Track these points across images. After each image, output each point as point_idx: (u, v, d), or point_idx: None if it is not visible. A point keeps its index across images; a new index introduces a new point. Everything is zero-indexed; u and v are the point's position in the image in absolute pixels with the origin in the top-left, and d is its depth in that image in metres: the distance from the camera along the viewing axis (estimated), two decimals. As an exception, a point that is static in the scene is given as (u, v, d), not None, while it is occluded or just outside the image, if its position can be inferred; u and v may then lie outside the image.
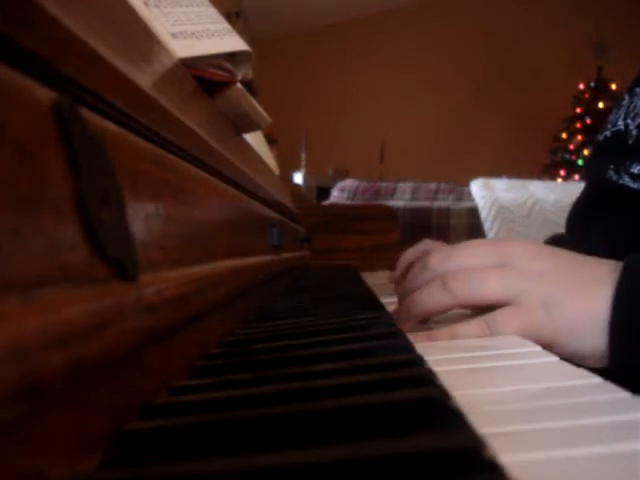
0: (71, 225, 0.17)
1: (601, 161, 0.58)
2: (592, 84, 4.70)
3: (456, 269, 0.40)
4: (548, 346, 0.36)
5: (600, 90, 4.64)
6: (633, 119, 0.54)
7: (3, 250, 0.14)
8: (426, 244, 0.67)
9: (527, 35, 5.21)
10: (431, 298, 0.39)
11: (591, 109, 4.64)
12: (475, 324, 0.37)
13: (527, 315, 0.37)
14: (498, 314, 0.37)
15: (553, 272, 0.38)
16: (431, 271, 0.41)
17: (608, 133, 0.58)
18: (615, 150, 0.55)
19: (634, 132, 0.53)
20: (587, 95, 4.72)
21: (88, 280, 0.17)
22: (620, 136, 0.55)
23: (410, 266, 0.68)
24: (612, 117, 0.59)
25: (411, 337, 0.38)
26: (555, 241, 0.81)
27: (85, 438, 0.16)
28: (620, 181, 0.52)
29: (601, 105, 4.52)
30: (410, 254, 0.68)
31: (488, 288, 0.38)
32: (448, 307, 0.39)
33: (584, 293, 0.37)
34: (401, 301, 0.43)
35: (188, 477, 0.14)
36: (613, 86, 4.49)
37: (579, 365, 0.27)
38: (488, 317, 0.37)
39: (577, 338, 0.36)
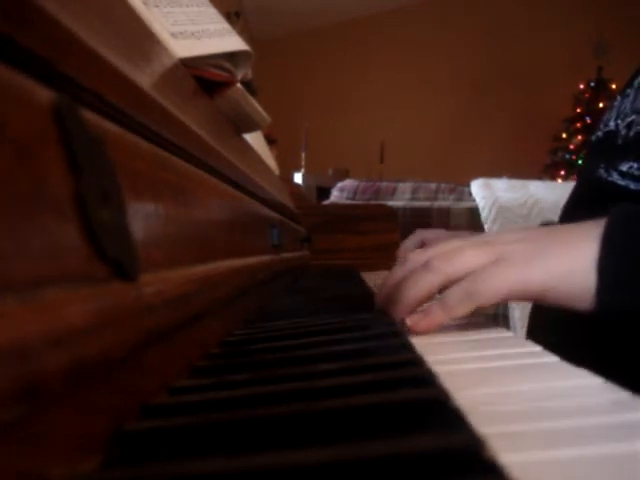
0: (71, 225, 0.17)
1: (593, 160, 0.58)
2: (592, 84, 4.69)
3: (435, 253, 0.40)
4: (538, 295, 0.37)
5: (600, 90, 4.64)
6: (623, 119, 0.55)
7: (3, 250, 0.14)
8: (420, 233, 0.68)
9: (527, 35, 5.21)
10: (418, 282, 0.39)
11: (591, 109, 4.64)
12: (461, 286, 0.37)
13: (513, 267, 0.37)
14: (482, 271, 0.37)
15: (534, 235, 0.39)
16: (411, 261, 0.42)
17: (600, 133, 0.59)
18: (606, 150, 0.56)
19: (623, 132, 0.54)
20: (587, 95, 4.72)
21: (88, 280, 0.17)
22: (611, 136, 0.56)
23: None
24: (605, 118, 0.60)
25: (408, 321, 0.38)
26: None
27: (85, 438, 0.16)
28: (609, 178, 0.53)
29: (601, 105, 4.52)
30: (407, 245, 0.69)
31: (470, 257, 0.38)
32: (436, 286, 0.39)
33: (573, 239, 0.38)
34: (383, 297, 0.43)
35: (188, 477, 0.14)
36: (613, 86, 4.48)
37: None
38: (473, 277, 0.37)
39: (569, 280, 0.36)
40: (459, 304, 0.37)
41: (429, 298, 0.40)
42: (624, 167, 0.52)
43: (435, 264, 0.39)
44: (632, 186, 0.50)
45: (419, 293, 0.39)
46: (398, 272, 0.42)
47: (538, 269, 0.37)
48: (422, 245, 0.68)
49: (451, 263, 0.39)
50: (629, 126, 0.54)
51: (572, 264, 0.37)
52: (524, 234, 0.40)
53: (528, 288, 0.37)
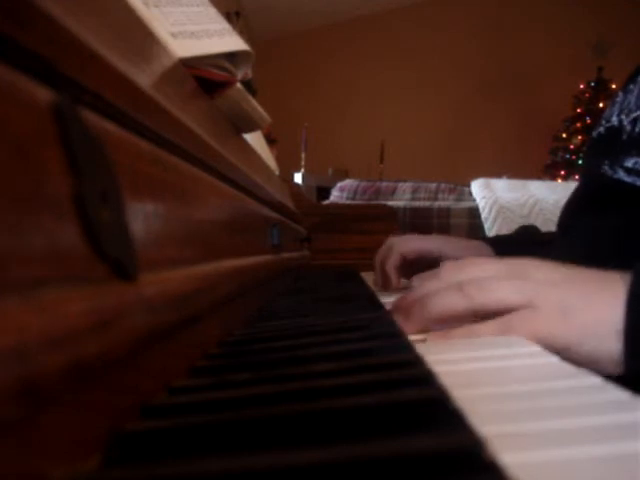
0: (71, 225, 0.17)
1: (596, 157, 0.58)
2: (592, 84, 4.70)
3: (470, 278, 0.40)
4: (562, 351, 0.35)
5: (600, 90, 4.64)
6: (627, 115, 0.54)
7: (3, 250, 0.14)
8: (391, 240, 0.70)
9: (527, 35, 5.21)
10: (446, 301, 0.39)
11: (591, 109, 4.64)
12: (492, 324, 0.37)
13: (543, 318, 0.36)
14: (515, 315, 0.37)
15: (566, 280, 0.38)
16: (444, 281, 0.41)
17: (602, 130, 0.59)
18: (609, 146, 0.56)
19: (628, 127, 0.54)
20: (587, 95, 4.72)
21: (88, 280, 0.17)
22: (614, 132, 0.56)
23: (382, 266, 0.71)
24: (606, 114, 0.60)
25: (428, 337, 0.38)
26: (524, 233, 0.82)
27: (85, 438, 0.16)
28: (615, 175, 0.53)
29: (601, 105, 4.52)
30: (380, 255, 0.72)
31: (503, 292, 0.38)
32: (463, 311, 0.39)
33: (599, 298, 0.37)
34: (401, 308, 0.42)
35: (188, 477, 0.14)
36: (613, 86, 4.48)
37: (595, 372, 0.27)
38: (505, 319, 0.37)
39: (592, 343, 0.35)
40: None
41: (449, 320, 0.39)
42: (629, 163, 0.51)
43: (469, 290, 0.38)
44: (639, 183, 0.50)
45: (444, 312, 0.39)
46: (428, 287, 0.41)
47: (566, 325, 0.36)
48: (403, 260, 0.69)
49: (485, 294, 0.38)
50: (634, 122, 0.53)
51: (596, 327, 0.36)
52: (558, 274, 0.39)
53: (554, 343, 0.36)
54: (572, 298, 0.37)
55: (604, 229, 0.53)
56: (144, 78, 0.27)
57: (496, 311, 0.38)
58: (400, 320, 0.40)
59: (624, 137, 0.54)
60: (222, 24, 0.49)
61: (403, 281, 0.70)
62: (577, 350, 0.36)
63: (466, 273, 0.41)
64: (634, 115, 0.53)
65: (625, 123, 0.54)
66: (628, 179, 0.51)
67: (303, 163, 4.21)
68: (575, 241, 0.58)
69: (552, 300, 0.37)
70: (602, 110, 4.54)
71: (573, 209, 0.64)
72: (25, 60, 0.17)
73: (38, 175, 0.16)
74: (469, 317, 0.39)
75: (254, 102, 0.57)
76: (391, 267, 0.69)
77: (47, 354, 0.14)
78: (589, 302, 0.37)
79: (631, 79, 0.57)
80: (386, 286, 0.70)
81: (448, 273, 0.42)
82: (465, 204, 2.00)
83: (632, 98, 0.55)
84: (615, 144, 0.55)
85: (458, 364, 0.29)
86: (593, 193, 0.59)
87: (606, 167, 0.55)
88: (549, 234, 0.75)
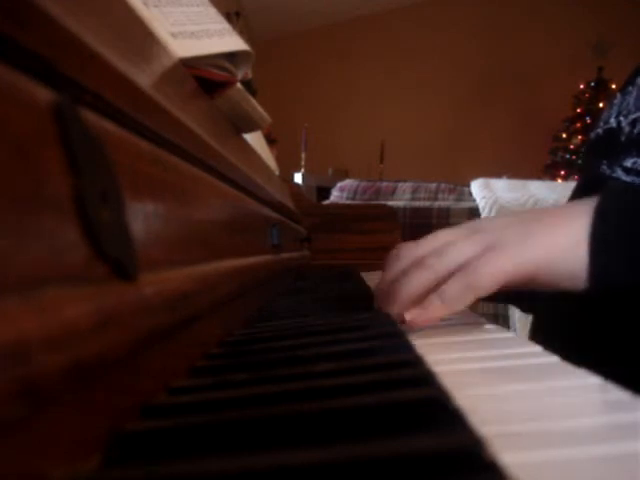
0: (71, 225, 0.17)
1: (594, 157, 0.58)
2: (592, 84, 4.69)
3: (427, 250, 0.40)
4: (532, 277, 0.36)
5: (600, 90, 4.63)
6: (626, 116, 0.55)
7: (3, 250, 0.14)
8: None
9: (527, 35, 5.21)
10: (413, 281, 0.39)
11: (591, 109, 4.63)
12: (456, 278, 0.37)
13: (504, 252, 0.36)
14: (476, 260, 0.37)
15: (524, 217, 0.39)
16: (404, 258, 0.41)
17: (600, 131, 0.59)
18: (607, 147, 0.56)
19: (627, 129, 0.54)
20: (587, 95, 4.72)
21: (87, 280, 0.17)
22: (612, 133, 0.56)
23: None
24: (604, 116, 0.60)
25: (407, 315, 0.38)
26: None
27: (85, 438, 0.16)
28: (613, 175, 0.53)
29: (601, 105, 4.52)
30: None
31: (461, 250, 0.38)
32: (430, 284, 0.39)
33: (562, 217, 0.37)
34: (380, 297, 0.42)
35: (188, 477, 0.14)
36: (613, 86, 4.48)
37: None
38: (469, 268, 0.37)
39: (559, 258, 0.35)
40: (458, 297, 0.37)
41: (425, 295, 0.39)
42: (628, 163, 0.51)
43: (428, 261, 0.39)
44: (637, 182, 0.50)
45: (414, 291, 0.39)
46: (392, 270, 0.42)
47: (530, 249, 0.36)
48: None
49: (444, 258, 0.38)
50: (633, 123, 0.53)
51: (564, 240, 0.36)
52: (513, 217, 0.40)
53: (523, 271, 0.36)
54: (532, 228, 0.37)
55: None
56: (144, 78, 0.27)
57: (460, 269, 0.38)
58: (383, 308, 0.40)
59: (622, 138, 0.54)
60: (222, 24, 0.49)
61: None
62: (546, 272, 0.35)
63: (422, 247, 0.41)
64: (633, 116, 0.54)
65: (624, 124, 0.55)
66: (627, 178, 0.51)
67: (303, 163, 4.21)
68: None
69: (510, 234, 0.37)
70: (602, 110, 4.51)
71: None
72: (25, 60, 0.17)
73: (38, 175, 0.16)
74: (441, 285, 0.39)
75: (254, 102, 0.57)
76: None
77: (47, 354, 0.14)
78: (555, 220, 0.37)
79: (629, 81, 0.58)
80: None
81: (406, 250, 0.42)
82: (465, 204, 2.00)
83: (631, 100, 0.55)
84: (613, 145, 0.55)
85: (458, 364, 0.29)
86: (591, 193, 0.59)
87: (604, 167, 0.55)
88: None
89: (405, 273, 0.40)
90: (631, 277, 0.34)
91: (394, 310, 0.39)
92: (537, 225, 0.37)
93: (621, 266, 0.34)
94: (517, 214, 0.40)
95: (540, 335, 0.58)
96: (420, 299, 0.39)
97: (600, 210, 0.36)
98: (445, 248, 0.39)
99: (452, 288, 0.37)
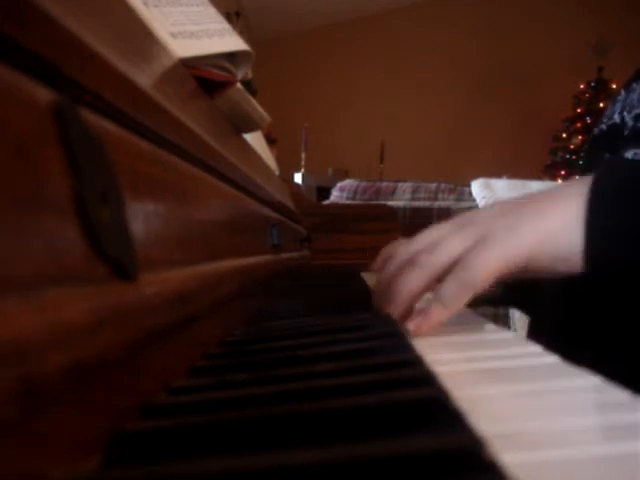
0: (71, 225, 0.17)
1: (596, 152, 0.58)
2: (592, 84, 4.69)
3: (418, 248, 0.40)
4: (527, 263, 0.35)
5: (600, 90, 4.63)
6: (629, 112, 0.55)
7: (3, 250, 0.14)
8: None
9: (527, 35, 5.21)
10: (407, 280, 0.39)
11: (591, 109, 4.63)
12: (453, 278, 0.36)
13: (496, 243, 0.35)
14: (467, 254, 0.36)
15: (514, 204, 0.38)
16: (399, 257, 0.41)
17: (604, 127, 0.59)
18: (611, 142, 0.56)
19: (630, 123, 0.54)
20: (587, 95, 4.71)
21: (87, 280, 0.17)
22: (616, 129, 0.56)
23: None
24: (607, 112, 0.60)
25: (410, 325, 0.37)
26: None
27: (85, 438, 0.16)
28: None
29: (601, 105, 4.51)
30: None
31: (452, 245, 0.38)
32: (426, 282, 0.38)
33: (555, 198, 0.36)
34: (379, 299, 0.42)
35: (188, 477, 0.14)
36: (613, 86, 4.48)
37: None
38: (462, 263, 0.36)
39: (551, 241, 0.35)
40: (456, 297, 0.36)
41: (423, 293, 0.39)
42: (629, 154, 0.51)
43: (421, 259, 0.38)
44: None
45: (410, 291, 0.39)
46: (388, 269, 0.42)
47: (521, 236, 0.35)
48: None
49: (436, 255, 0.38)
50: (636, 117, 0.53)
51: (556, 223, 0.35)
52: (503, 205, 0.39)
53: (516, 259, 0.35)
54: (522, 214, 0.36)
55: None
56: (144, 78, 0.27)
57: (454, 265, 0.37)
58: (382, 308, 0.40)
59: (626, 133, 0.54)
60: (222, 24, 0.49)
61: None
62: (540, 256, 0.35)
63: (416, 244, 0.41)
64: (637, 111, 0.54)
65: (627, 119, 0.55)
66: None
67: (303, 163, 4.21)
68: None
69: (500, 224, 0.36)
70: (602, 110, 4.52)
71: None
72: (25, 60, 0.17)
73: (38, 175, 0.16)
74: (438, 282, 0.38)
75: (254, 102, 0.57)
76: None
77: (47, 354, 0.14)
78: (541, 210, 0.36)
79: (633, 78, 0.58)
80: None
81: (401, 249, 0.42)
82: (465, 204, 2.00)
83: (635, 96, 0.55)
84: (617, 140, 0.55)
85: (458, 364, 0.29)
86: None
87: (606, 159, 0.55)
88: None
89: (400, 272, 0.40)
90: (630, 252, 0.33)
91: (392, 312, 0.39)
92: (527, 210, 0.37)
93: (617, 246, 0.33)
94: (509, 201, 0.39)
95: (540, 335, 0.58)
96: (417, 298, 0.39)
97: (596, 188, 0.35)
98: (435, 245, 0.39)
99: (448, 289, 0.37)
